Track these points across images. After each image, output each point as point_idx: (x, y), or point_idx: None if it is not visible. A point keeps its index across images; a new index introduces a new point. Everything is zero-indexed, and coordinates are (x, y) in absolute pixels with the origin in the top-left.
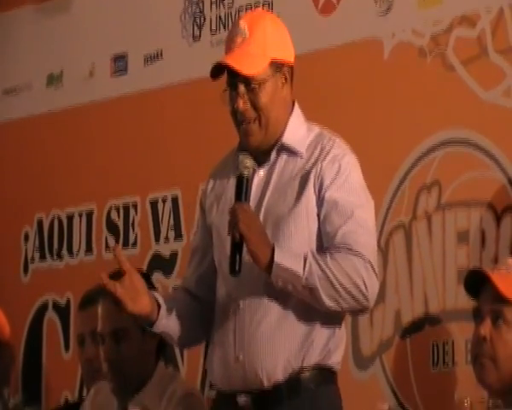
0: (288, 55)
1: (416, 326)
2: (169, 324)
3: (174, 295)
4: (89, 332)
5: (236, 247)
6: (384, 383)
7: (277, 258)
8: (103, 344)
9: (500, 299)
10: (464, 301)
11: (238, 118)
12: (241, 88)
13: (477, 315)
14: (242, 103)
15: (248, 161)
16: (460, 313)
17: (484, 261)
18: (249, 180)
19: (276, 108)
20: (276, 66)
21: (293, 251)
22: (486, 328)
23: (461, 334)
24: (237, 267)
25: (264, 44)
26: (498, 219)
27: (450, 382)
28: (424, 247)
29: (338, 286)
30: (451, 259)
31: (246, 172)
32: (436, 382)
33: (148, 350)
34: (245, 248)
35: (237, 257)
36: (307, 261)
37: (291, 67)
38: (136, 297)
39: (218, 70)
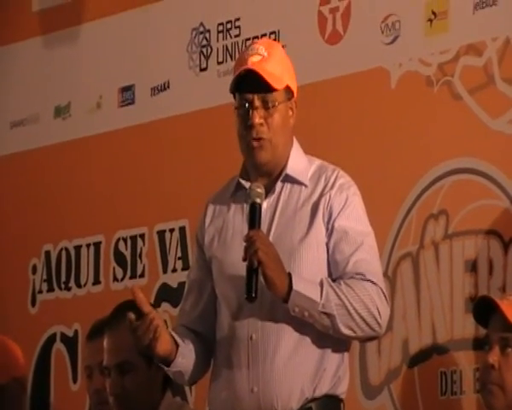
0: (295, 87)
1: (423, 355)
2: (183, 362)
3: (181, 332)
4: (97, 364)
5: (253, 273)
6: None
7: (295, 285)
8: (109, 377)
9: (509, 327)
10: (472, 330)
11: (251, 134)
12: (258, 103)
13: (485, 343)
14: (258, 118)
15: (260, 189)
16: (468, 342)
17: (492, 290)
18: (261, 207)
19: (284, 134)
20: (288, 93)
21: (308, 279)
22: (495, 356)
23: (468, 363)
24: (254, 293)
25: (282, 68)
26: (506, 247)
27: None
28: (432, 276)
29: (354, 313)
30: (459, 288)
31: (258, 200)
32: None
33: (154, 382)
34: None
35: (254, 283)
36: (324, 288)
37: (295, 102)
38: (159, 337)
39: (236, 84)
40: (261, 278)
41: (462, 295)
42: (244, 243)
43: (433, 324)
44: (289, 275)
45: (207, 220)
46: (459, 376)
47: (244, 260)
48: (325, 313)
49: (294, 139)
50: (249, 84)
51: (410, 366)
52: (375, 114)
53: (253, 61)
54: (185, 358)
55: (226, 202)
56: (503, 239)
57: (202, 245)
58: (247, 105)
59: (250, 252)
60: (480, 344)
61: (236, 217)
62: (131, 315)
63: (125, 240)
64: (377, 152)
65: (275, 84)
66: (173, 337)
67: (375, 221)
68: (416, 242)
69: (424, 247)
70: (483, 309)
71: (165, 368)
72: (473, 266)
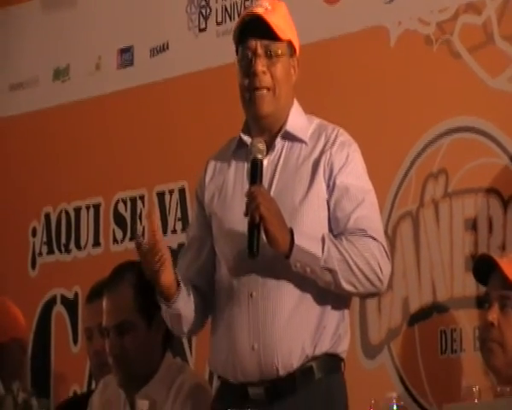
0: (297, 45)
1: (423, 314)
2: (182, 305)
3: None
4: (97, 325)
5: (255, 228)
6: (392, 371)
7: (297, 240)
8: (108, 338)
9: (508, 285)
10: (472, 289)
11: (253, 83)
12: (261, 51)
13: (485, 301)
14: (261, 65)
15: (261, 145)
16: (468, 301)
17: (491, 248)
18: (263, 164)
19: (287, 88)
20: (291, 49)
21: (310, 235)
22: (494, 314)
23: (469, 321)
24: (255, 249)
25: (285, 22)
26: (506, 205)
27: (458, 369)
28: (431, 234)
29: (355, 269)
30: (459, 246)
31: (259, 156)
32: (444, 369)
33: (154, 342)
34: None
35: (255, 239)
36: (325, 244)
37: (297, 61)
38: (165, 269)
39: (239, 32)
40: (262, 235)
41: (462, 253)
42: (245, 200)
43: (433, 282)
44: (291, 231)
45: (208, 177)
46: (459, 334)
47: (246, 215)
48: (327, 269)
49: (295, 99)
50: (253, 32)
51: (410, 325)
52: (375, 72)
53: (258, 11)
54: (184, 301)
55: (227, 160)
56: (503, 197)
57: (202, 202)
58: (249, 54)
59: (251, 207)
60: (480, 302)
61: (237, 175)
62: (141, 238)
63: (124, 202)
64: (376, 111)
65: (279, 33)
66: (176, 276)
67: (375, 180)
68: (416, 200)
69: (424, 205)
70: (483, 267)
71: (165, 307)
72: (472, 225)
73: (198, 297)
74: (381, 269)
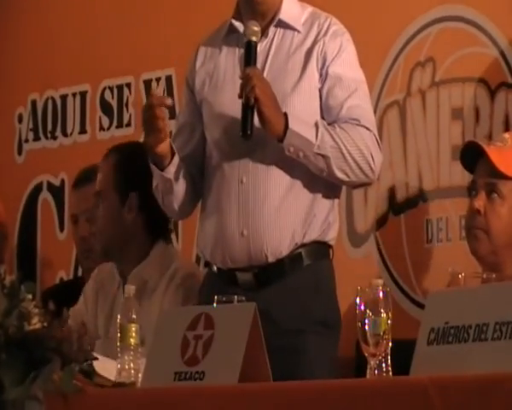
0: None
1: (410, 203)
2: (177, 177)
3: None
4: (83, 211)
5: (249, 110)
6: (378, 260)
7: (291, 124)
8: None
9: (495, 173)
10: (458, 178)
11: None
12: None
13: (472, 189)
14: None
15: (256, 27)
16: (454, 190)
17: (478, 137)
18: (257, 46)
19: None
20: None
21: (303, 121)
22: (480, 201)
23: (455, 210)
24: (249, 130)
25: None
26: (492, 94)
27: (444, 258)
28: (418, 124)
29: (348, 157)
30: (445, 135)
31: (254, 38)
32: (430, 258)
33: (125, 221)
34: None
35: (250, 120)
36: (319, 130)
37: None
38: (163, 137)
39: None
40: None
41: (449, 143)
42: (237, 85)
43: (420, 172)
44: (285, 115)
45: (198, 63)
46: (445, 223)
47: (240, 97)
48: (320, 155)
49: None
50: None
51: (396, 214)
52: None
53: None
54: (176, 169)
55: (218, 45)
56: (490, 87)
57: (193, 88)
58: None
59: (247, 89)
60: (468, 191)
61: (228, 60)
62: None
63: (111, 89)
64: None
65: None
66: (172, 148)
67: (362, 69)
68: (403, 90)
69: (411, 95)
70: (470, 155)
71: (158, 173)
72: (459, 114)
73: (189, 180)
74: (373, 159)
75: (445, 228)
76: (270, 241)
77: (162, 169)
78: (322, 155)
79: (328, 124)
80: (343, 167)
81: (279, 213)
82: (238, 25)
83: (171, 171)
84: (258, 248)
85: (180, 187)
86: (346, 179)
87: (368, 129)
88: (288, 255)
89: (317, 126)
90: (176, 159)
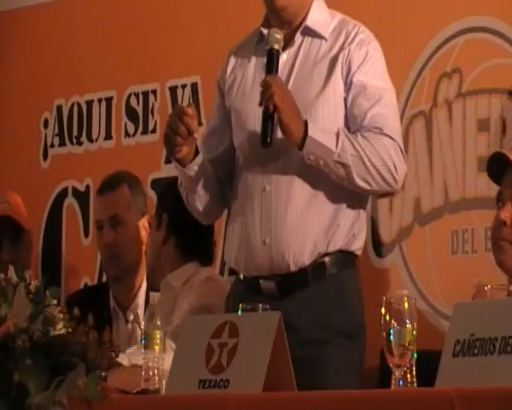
0: None
1: (435, 214)
2: (200, 175)
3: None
4: (107, 218)
5: (269, 118)
6: (403, 270)
7: (311, 132)
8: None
9: None
10: (484, 189)
11: None
12: None
13: (498, 200)
14: None
15: (279, 35)
16: (480, 201)
17: (504, 149)
18: (280, 54)
19: None
20: None
21: (324, 129)
22: (507, 212)
23: (480, 222)
24: (269, 139)
25: None
26: None
27: (469, 269)
28: (444, 134)
29: (369, 165)
30: (472, 147)
31: (276, 46)
32: (455, 269)
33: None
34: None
35: (269, 128)
36: (340, 138)
37: None
38: (188, 142)
39: None
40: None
41: (475, 154)
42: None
43: (445, 183)
44: (305, 122)
45: (229, 69)
46: (471, 235)
47: (260, 105)
48: (340, 163)
49: None
50: None
51: (422, 225)
52: None
53: None
54: (199, 170)
55: (248, 53)
56: None
57: (223, 93)
58: None
59: (266, 96)
60: (492, 202)
61: (257, 68)
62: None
63: (136, 95)
64: (390, 9)
65: None
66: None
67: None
68: (429, 100)
69: (437, 105)
70: (497, 165)
71: (180, 168)
72: (485, 125)
73: (215, 183)
74: (396, 168)
75: (470, 239)
76: (292, 249)
77: (184, 166)
78: (343, 164)
79: (353, 132)
80: (364, 176)
81: (301, 222)
82: (266, 32)
83: (192, 168)
84: (280, 257)
85: (204, 188)
86: (368, 188)
87: (391, 138)
88: (310, 264)
89: (338, 134)
90: (198, 158)
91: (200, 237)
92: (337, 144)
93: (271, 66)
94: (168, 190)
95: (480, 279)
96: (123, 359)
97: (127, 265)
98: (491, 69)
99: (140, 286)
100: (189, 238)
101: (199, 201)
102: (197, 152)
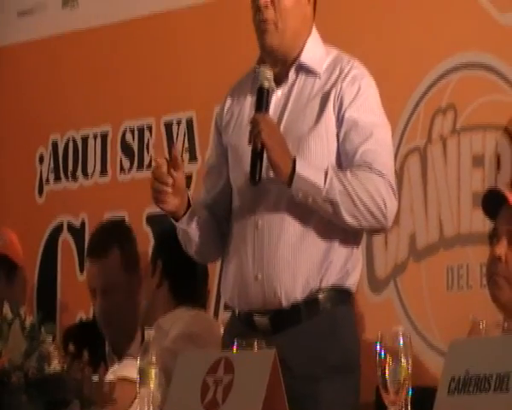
0: None
1: (430, 250)
2: (190, 223)
3: (195, 208)
4: (99, 287)
5: (257, 156)
6: (398, 306)
7: (299, 169)
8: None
9: None
10: (479, 225)
11: (258, 17)
12: None
13: (493, 236)
14: (264, 0)
15: (268, 73)
16: (475, 237)
17: (499, 185)
18: (270, 91)
19: (295, 19)
20: None
21: (314, 165)
22: (502, 248)
23: (475, 258)
24: (257, 176)
25: None
26: None
27: (464, 305)
28: (439, 170)
29: (358, 202)
30: (466, 182)
31: (266, 84)
32: (450, 305)
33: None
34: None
35: (258, 166)
36: (328, 175)
37: None
38: (177, 193)
39: None
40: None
41: (470, 190)
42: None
43: (440, 218)
44: (294, 159)
45: (226, 106)
46: (466, 270)
47: (249, 143)
48: (328, 200)
49: (314, 30)
50: None
51: (417, 261)
52: (383, 7)
53: None
54: (193, 220)
55: (245, 91)
56: (511, 134)
57: (220, 131)
58: None
59: (253, 134)
60: (489, 239)
61: (253, 105)
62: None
63: (132, 131)
64: (385, 45)
65: None
66: (188, 200)
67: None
68: (424, 136)
69: (432, 141)
70: (492, 201)
71: (174, 222)
72: (480, 161)
73: (214, 223)
74: (385, 204)
75: (465, 275)
76: (284, 285)
77: (177, 219)
78: (331, 201)
79: (345, 169)
80: (353, 212)
81: (293, 258)
82: (257, 71)
83: (184, 221)
84: (271, 292)
85: (200, 236)
86: (357, 225)
87: (381, 174)
88: (303, 300)
89: (327, 171)
90: (192, 208)
91: (193, 282)
92: (325, 181)
93: (261, 103)
94: (162, 237)
95: (476, 316)
96: (108, 375)
97: (122, 329)
98: (485, 105)
99: (135, 337)
100: (182, 283)
101: (196, 247)
102: (189, 203)
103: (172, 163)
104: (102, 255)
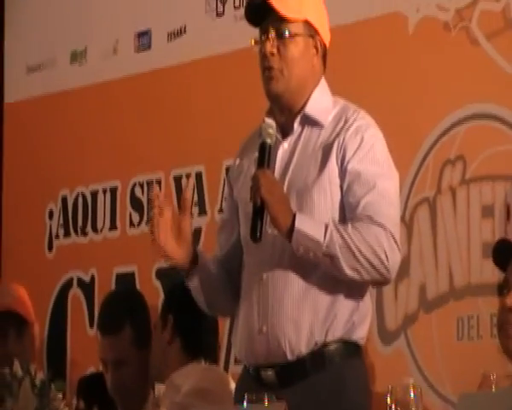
0: (322, 29)
1: (440, 300)
2: (203, 282)
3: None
4: (111, 360)
5: (258, 213)
6: (409, 358)
7: (298, 224)
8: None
9: None
10: (489, 276)
11: (263, 64)
12: (272, 33)
13: (503, 287)
14: (270, 47)
15: (271, 129)
16: (485, 288)
17: (509, 235)
18: (272, 147)
19: (301, 68)
20: (310, 29)
21: (315, 219)
22: None
23: (486, 308)
24: (258, 234)
25: (299, 2)
26: None
27: (475, 356)
28: (449, 221)
29: (358, 255)
30: (476, 233)
31: (268, 140)
32: (461, 356)
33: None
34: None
35: (258, 223)
36: (328, 229)
37: (325, 47)
38: (181, 242)
39: (252, 14)
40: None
41: (479, 240)
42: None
43: (450, 269)
44: (294, 214)
45: (237, 161)
46: (476, 321)
47: (250, 199)
48: (328, 255)
49: (323, 81)
50: (263, 15)
51: (427, 312)
52: (393, 59)
53: None
54: (202, 276)
55: (254, 145)
56: None
57: (232, 185)
58: (262, 36)
59: (254, 190)
60: (498, 289)
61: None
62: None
63: (141, 185)
64: (394, 97)
65: (287, 13)
66: (197, 253)
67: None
68: (433, 187)
69: (441, 192)
70: (502, 252)
71: (184, 276)
72: (490, 212)
73: (225, 278)
74: (387, 257)
75: (476, 325)
76: (288, 338)
77: (186, 275)
78: (331, 255)
79: (348, 221)
80: (354, 266)
81: (297, 311)
82: (260, 127)
83: (193, 279)
84: (276, 345)
85: (210, 294)
86: (358, 278)
87: (382, 225)
88: (308, 354)
89: (327, 226)
90: (200, 265)
91: (205, 336)
92: (325, 236)
93: (263, 159)
94: (173, 291)
95: (486, 369)
96: None
97: (134, 396)
98: (494, 156)
99: (148, 398)
100: (194, 338)
101: (208, 303)
102: (196, 259)
103: (181, 205)
104: (114, 332)
